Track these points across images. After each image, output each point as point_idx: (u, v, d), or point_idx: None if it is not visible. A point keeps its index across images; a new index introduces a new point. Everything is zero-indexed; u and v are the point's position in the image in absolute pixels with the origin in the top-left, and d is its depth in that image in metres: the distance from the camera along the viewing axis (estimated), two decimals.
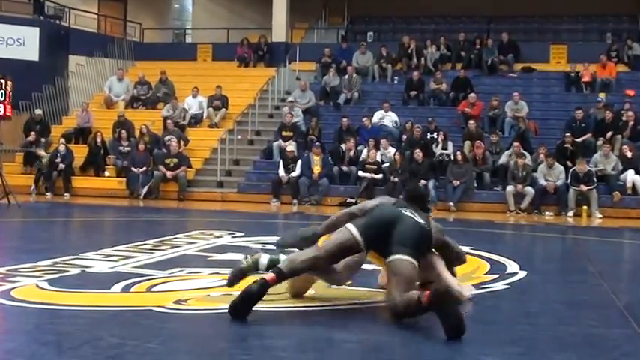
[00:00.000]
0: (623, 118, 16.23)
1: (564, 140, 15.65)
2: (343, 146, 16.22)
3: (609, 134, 15.94)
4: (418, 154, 15.25)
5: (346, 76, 19.35)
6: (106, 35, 22.33)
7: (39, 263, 5.95)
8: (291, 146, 16.07)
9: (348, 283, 4.97)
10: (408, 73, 19.68)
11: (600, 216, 14.05)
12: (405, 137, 16.65)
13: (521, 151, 15.18)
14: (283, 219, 13.14)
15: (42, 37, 19.81)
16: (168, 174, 15.88)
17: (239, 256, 6.79)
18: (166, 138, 16.77)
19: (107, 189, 16.25)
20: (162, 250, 7.21)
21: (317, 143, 15.95)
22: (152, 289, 5.14)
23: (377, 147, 15.86)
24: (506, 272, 6.31)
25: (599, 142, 15.70)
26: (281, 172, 15.61)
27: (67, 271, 5.71)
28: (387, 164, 15.63)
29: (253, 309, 4.14)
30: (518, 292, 5.55)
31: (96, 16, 22.79)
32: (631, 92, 18.00)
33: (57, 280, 5.27)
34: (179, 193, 15.85)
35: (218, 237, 8.55)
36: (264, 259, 4.57)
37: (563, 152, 15.38)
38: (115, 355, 3.43)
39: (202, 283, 5.41)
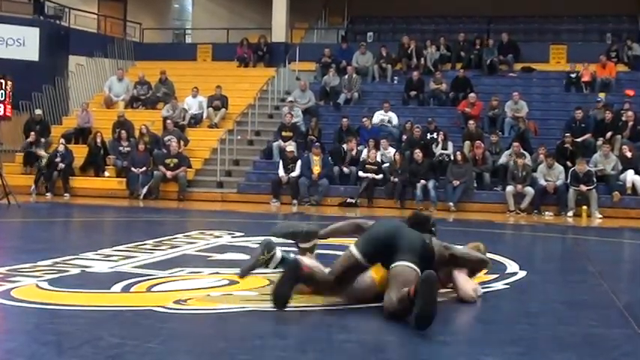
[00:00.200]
0: (623, 118, 16.24)
1: (564, 140, 15.65)
2: (345, 146, 16.23)
3: (609, 134, 15.95)
4: (418, 154, 15.26)
5: (346, 76, 19.35)
6: (106, 35, 22.35)
7: (39, 263, 5.94)
8: (291, 146, 16.08)
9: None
10: (408, 73, 19.69)
11: (600, 216, 14.05)
12: (404, 137, 16.65)
13: (521, 151, 15.19)
14: (283, 219, 13.14)
15: (42, 37, 19.82)
16: (168, 174, 15.88)
17: (239, 256, 6.82)
18: (166, 138, 16.77)
19: (107, 189, 16.26)
20: (162, 250, 7.21)
21: (317, 143, 15.96)
22: (152, 289, 5.14)
23: (377, 147, 15.87)
24: (506, 272, 6.30)
25: (599, 142, 15.71)
26: (281, 172, 15.61)
27: (67, 271, 5.71)
28: (387, 164, 15.64)
29: (253, 309, 4.13)
30: (518, 292, 5.55)
31: (96, 16, 22.81)
32: (631, 92, 18.00)
33: (57, 280, 5.27)
34: (179, 193, 15.86)
35: (218, 237, 8.54)
36: (278, 254, 4.67)
37: (563, 152, 15.38)
38: (115, 355, 3.43)
39: (202, 283, 5.40)
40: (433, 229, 4.98)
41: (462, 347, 3.88)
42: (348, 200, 15.21)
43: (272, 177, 15.84)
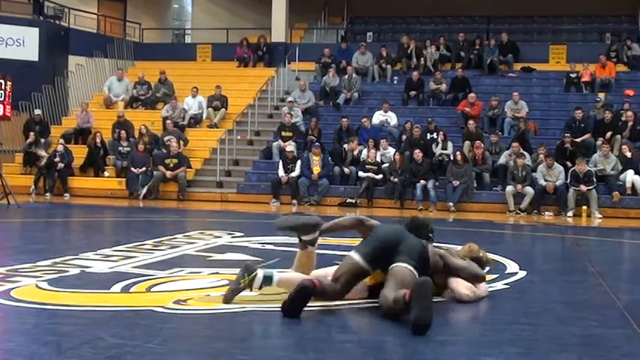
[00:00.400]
0: (623, 118, 16.23)
1: (564, 140, 15.65)
2: (346, 146, 16.22)
3: (609, 134, 15.94)
4: (418, 154, 15.25)
5: (346, 77, 19.35)
6: (106, 35, 22.35)
7: (38, 263, 5.94)
8: (290, 146, 16.08)
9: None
10: (408, 73, 19.68)
11: (600, 216, 14.05)
12: (404, 137, 16.65)
13: (521, 151, 15.18)
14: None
15: (41, 37, 19.80)
16: (168, 174, 15.88)
17: (239, 256, 6.83)
18: (166, 138, 16.77)
19: (107, 189, 16.26)
20: (162, 250, 7.21)
21: (317, 143, 15.95)
22: (152, 290, 5.14)
23: (377, 147, 15.87)
24: (506, 272, 6.31)
25: (599, 142, 15.70)
26: (281, 172, 15.61)
27: (67, 271, 5.71)
28: (387, 164, 15.64)
29: (253, 309, 4.13)
30: (518, 292, 5.55)
31: (95, 17, 22.81)
32: (630, 92, 18.00)
33: (56, 281, 5.27)
34: (179, 194, 15.85)
35: (218, 237, 8.54)
36: (260, 274, 4.58)
37: (562, 152, 15.37)
38: (114, 355, 3.43)
39: (202, 284, 5.40)
40: (430, 235, 5.04)
41: (462, 347, 3.88)
42: (348, 200, 15.21)
43: (272, 177, 15.84)
